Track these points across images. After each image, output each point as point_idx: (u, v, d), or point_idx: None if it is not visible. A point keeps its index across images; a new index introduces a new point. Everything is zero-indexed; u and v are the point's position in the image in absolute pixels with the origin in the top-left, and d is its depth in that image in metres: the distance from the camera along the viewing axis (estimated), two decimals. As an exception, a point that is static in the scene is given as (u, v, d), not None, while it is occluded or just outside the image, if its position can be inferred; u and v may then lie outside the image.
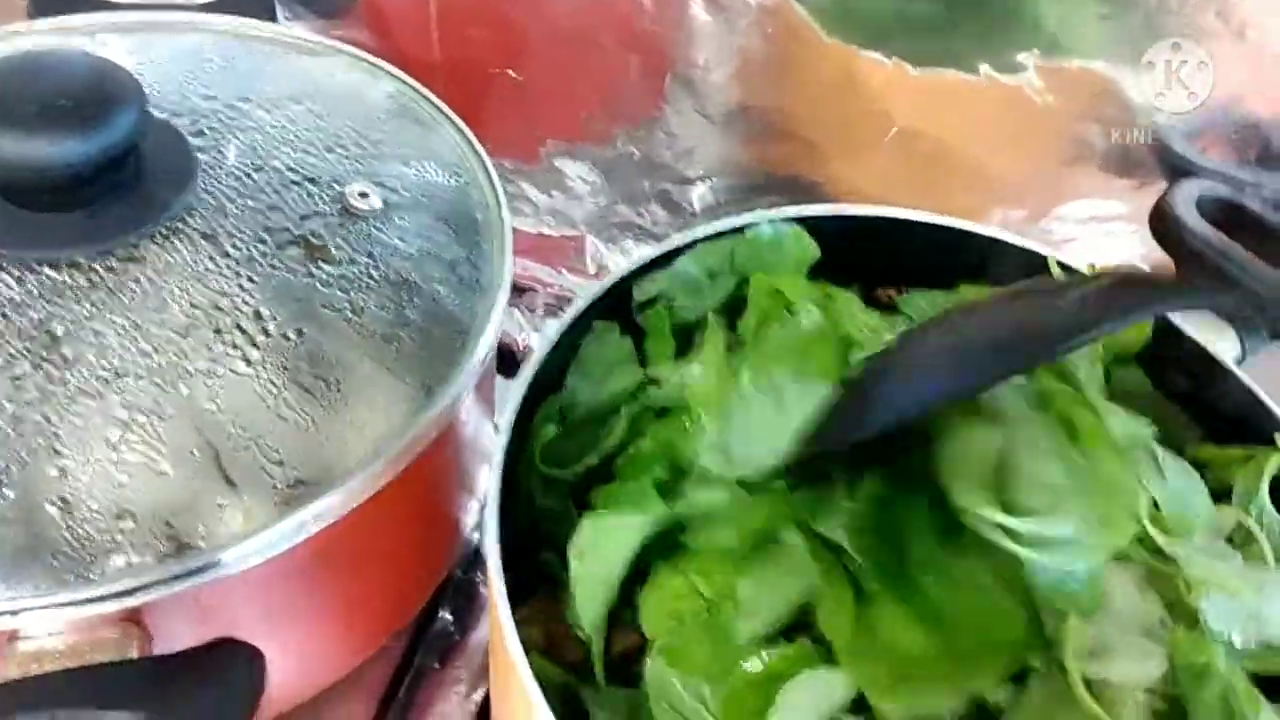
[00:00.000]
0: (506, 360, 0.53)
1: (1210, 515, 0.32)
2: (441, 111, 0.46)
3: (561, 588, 0.32)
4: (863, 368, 0.31)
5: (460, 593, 0.50)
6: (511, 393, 0.35)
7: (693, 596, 0.29)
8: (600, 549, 0.30)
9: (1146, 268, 0.52)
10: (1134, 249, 0.52)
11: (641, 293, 0.39)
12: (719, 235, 0.40)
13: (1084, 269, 0.41)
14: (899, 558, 0.29)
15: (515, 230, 0.60)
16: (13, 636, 0.31)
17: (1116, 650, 0.28)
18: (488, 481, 0.33)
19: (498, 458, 0.33)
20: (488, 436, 0.46)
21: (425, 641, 0.49)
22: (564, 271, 0.62)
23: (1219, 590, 0.29)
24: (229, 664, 0.31)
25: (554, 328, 0.37)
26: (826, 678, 0.27)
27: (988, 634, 0.28)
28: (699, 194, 0.57)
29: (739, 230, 0.41)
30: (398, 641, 0.48)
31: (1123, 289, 0.28)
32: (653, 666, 0.29)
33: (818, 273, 0.42)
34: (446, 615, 0.50)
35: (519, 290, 0.62)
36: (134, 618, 0.32)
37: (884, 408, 0.29)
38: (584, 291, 0.38)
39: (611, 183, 0.59)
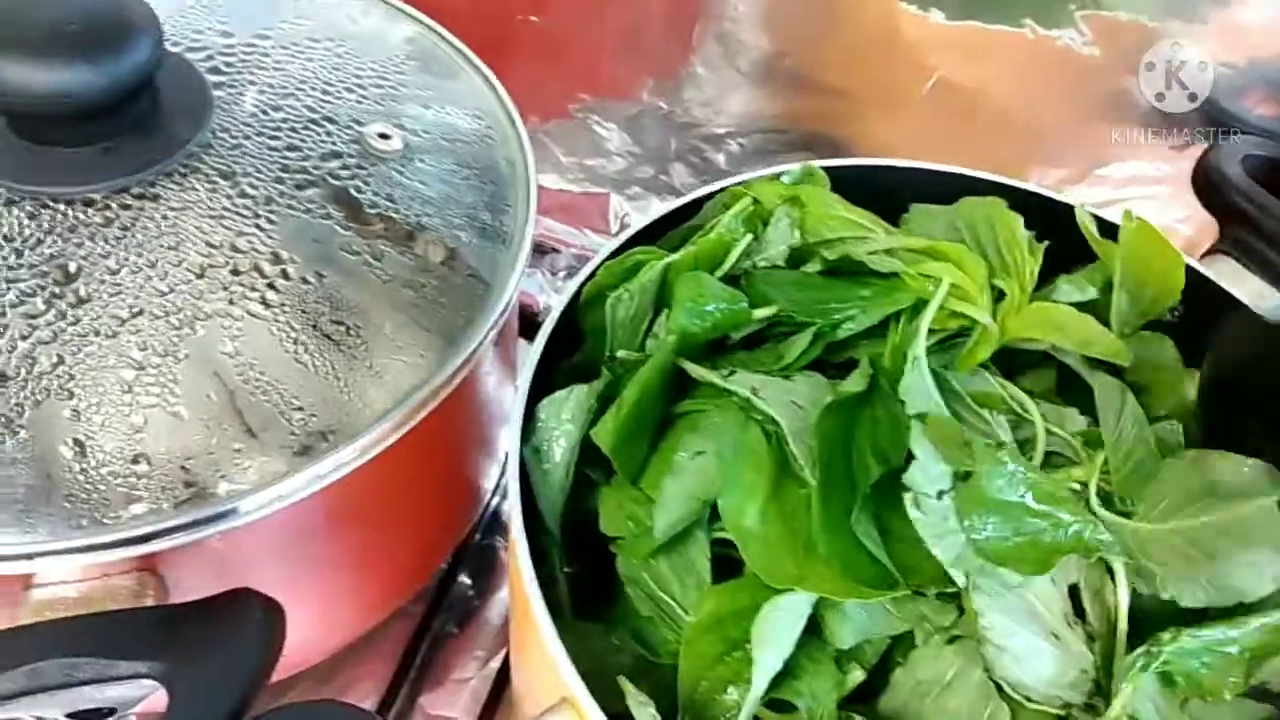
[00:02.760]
0: (527, 323, 0.52)
1: None
2: (465, 56, 0.45)
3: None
4: None
5: (480, 558, 0.50)
6: (531, 349, 0.34)
7: (644, 501, 0.31)
8: (552, 430, 0.32)
9: (1188, 230, 0.51)
10: (1174, 213, 0.50)
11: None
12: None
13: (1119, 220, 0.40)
14: (846, 464, 0.30)
15: (539, 186, 0.60)
16: (27, 582, 0.30)
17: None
18: (507, 441, 0.32)
19: (516, 413, 0.32)
20: (508, 398, 0.45)
21: (444, 606, 0.48)
22: (587, 231, 0.60)
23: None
24: (246, 615, 0.30)
25: (573, 284, 0.36)
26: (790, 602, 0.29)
27: (901, 561, 0.29)
28: (726, 151, 0.55)
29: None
30: (417, 606, 0.47)
31: None
32: (622, 562, 0.31)
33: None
34: (466, 580, 0.49)
35: (541, 251, 0.61)
36: (149, 566, 0.31)
37: None
38: (604, 248, 0.37)
39: (638, 141, 0.57)
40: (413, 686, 0.46)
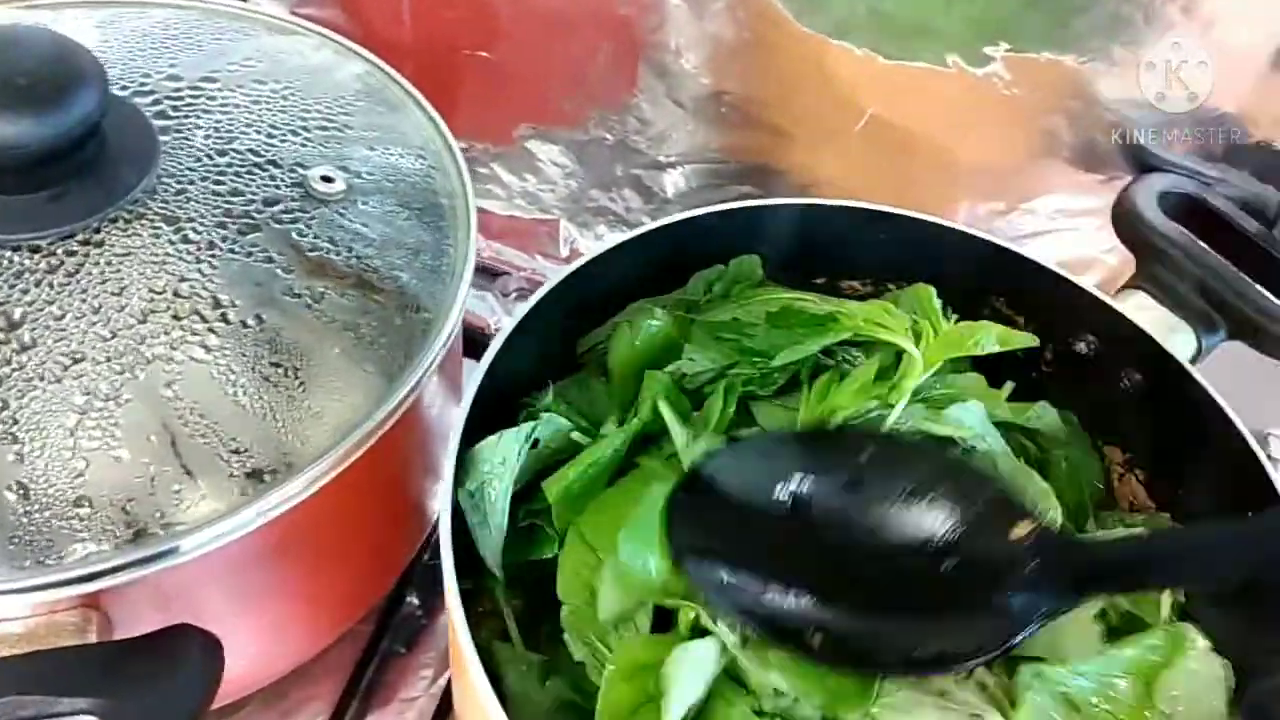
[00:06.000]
0: (476, 343, 0.53)
1: None
2: (410, 94, 0.46)
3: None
4: None
5: (426, 579, 0.51)
6: (471, 379, 0.35)
7: (598, 565, 0.33)
8: (486, 474, 0.34)
9: (1113, 261, 0.53)
10: (1101, 244, 0.52)
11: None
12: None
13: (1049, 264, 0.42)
14: None
15: (488, 213, 0.61)
16: (-30, 619, 0.31)
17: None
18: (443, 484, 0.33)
19: (453, 444, 0.34)
20: (452, 418, 0.46)
21: (392, 626, 0.49)
22: (537, 255, 0.62)
23: None
24: (185, 651, 0.31)
25: (520, 312, 0.37)
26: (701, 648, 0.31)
27: None
28: (671, 180, 0.57)
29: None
30: (364, 626, 0.48)
31: None
32: (567, 617, 0.33)
33: (785, 265, 0.43)
34: (413, 601, 0.50)
35: (492, 274, 0.62)
36: (93, 603, 0.32)
37: None
38: (551, 276, 0.38)
39: (584, 167, 0.58)
40: (361, 705, 0.47)
